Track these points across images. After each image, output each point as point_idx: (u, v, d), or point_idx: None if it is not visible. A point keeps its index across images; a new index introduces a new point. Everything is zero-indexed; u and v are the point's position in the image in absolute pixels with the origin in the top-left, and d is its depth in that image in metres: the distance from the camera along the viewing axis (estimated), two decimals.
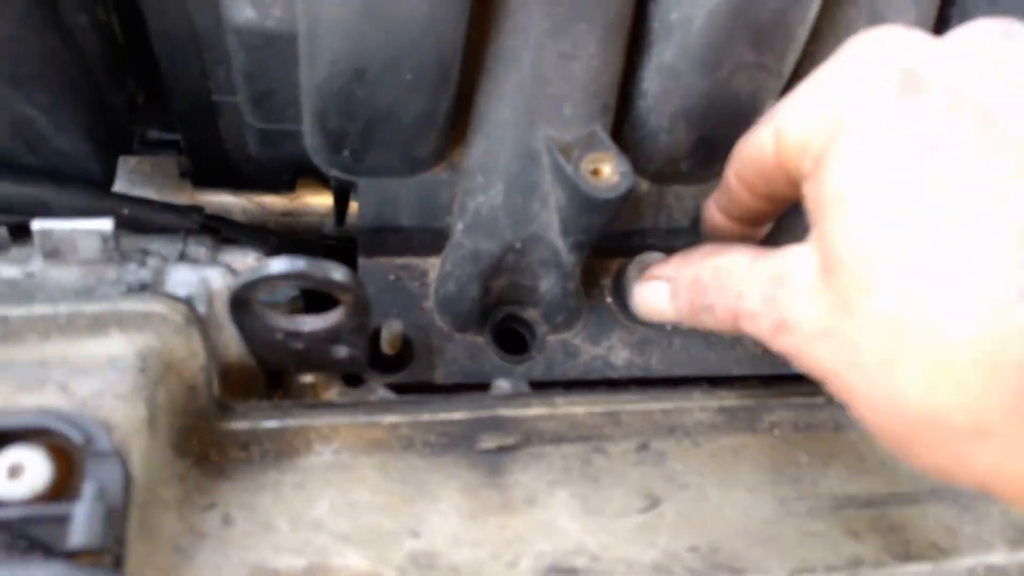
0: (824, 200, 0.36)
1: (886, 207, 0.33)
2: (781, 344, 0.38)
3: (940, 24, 0.55)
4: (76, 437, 0.31)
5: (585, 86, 0.51)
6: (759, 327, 0.40)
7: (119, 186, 0.77)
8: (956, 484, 0.35)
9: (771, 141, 0.41)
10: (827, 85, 0.38)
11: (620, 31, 0.50)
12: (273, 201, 0.77)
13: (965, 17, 0.54)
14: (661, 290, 0.49)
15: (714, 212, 0.52)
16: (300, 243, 0.68)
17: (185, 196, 0.76)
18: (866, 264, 0.33)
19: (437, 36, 0.46)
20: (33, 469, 0.31)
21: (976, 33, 0.36)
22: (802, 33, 0.49)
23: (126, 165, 0.78)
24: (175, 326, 0.39)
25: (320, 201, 0.77)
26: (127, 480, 0.32)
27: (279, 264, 0.39)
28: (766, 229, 0.53)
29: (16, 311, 0.37)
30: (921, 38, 0.37)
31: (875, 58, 0.37)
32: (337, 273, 0.40)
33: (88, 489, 0.30)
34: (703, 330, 0.47)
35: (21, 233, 0.57)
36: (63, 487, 0.31)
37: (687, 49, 0.49)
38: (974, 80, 0.34)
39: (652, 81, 0.52)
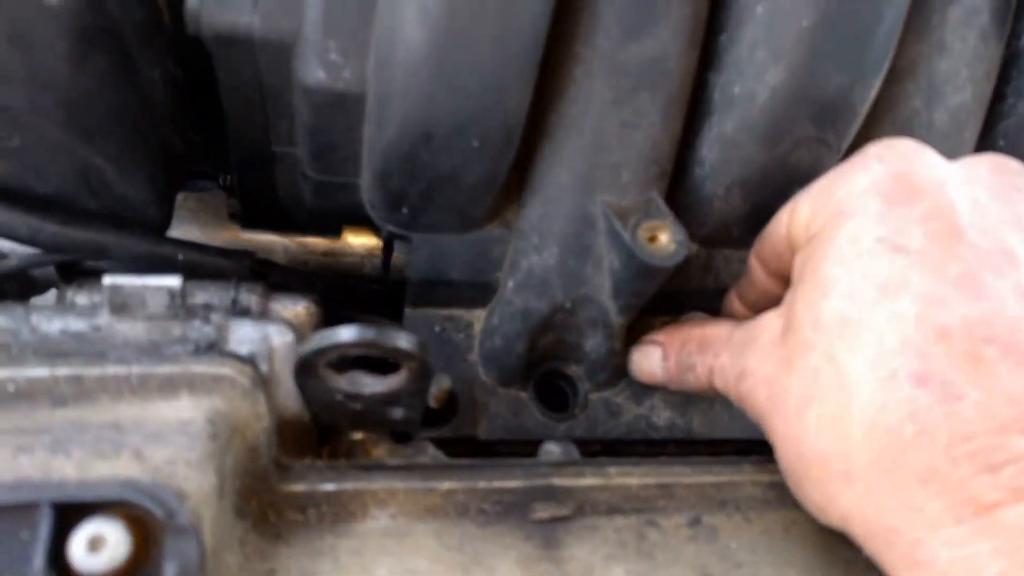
0: (804, 271, 0.43)
1: (843, 289, 0.40)
2: (739, 390, 0.47)
3: (995, 102, 0.55)
4: (157, 511, 0.31)
5: (644, 154, 0.51)
6: (726, 378, 0.48)
7: None
8: (825, 521, 0.42)
9: (786, 218, 0.47)
10: (841, 179, 0.44)
11: (681, 101, 0.51)
12: (315, 242, 0.77)
13: (1020, 95, 0.55)
14: (654, 353, 0.56)
15: (734, 299, 0.58)
16: (345, 288, 0.69)
17: (229, 234, 0.76)
18: (812, 330, 0.41)
19: (504, 103, 0.47)
20: (113, 542, 0.31)
21: (979, 165, 0.44)
22: (864, 110, 0.50)
23: None
24: (243, 389, 0.40)
25: (361, 242, 0.77)
26: (203, 556, 0.32)
27: (349, 332, 0.40)
28: None
29: (90, 371, 0.38)
30: (930, 155, 0.44)
31: (885, 164, 0.43)
32: (403, 341, 0.41)
33: (169, 570, 0.30)
34: (685, 391, 0.56)
35: (70, 272, 0.58)
36: (140, 560, 0.32)
37: (748, 123, 0.49)
38: (957, 196, 0.41)
39: (711, 150, 0.52)
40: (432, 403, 0.57)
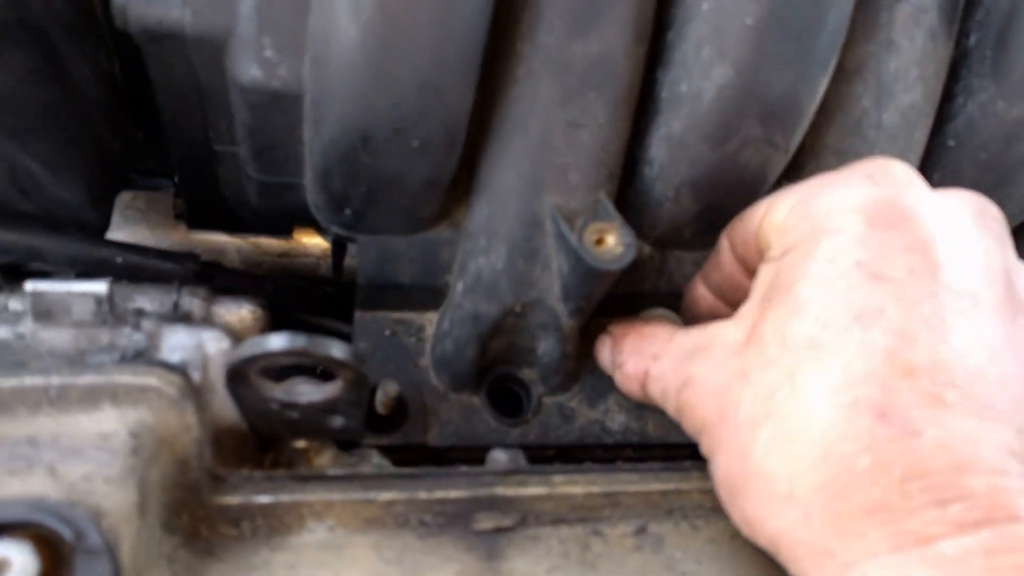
0: (777, 286, 0.42)
1: (816, 313, 0.39)
2: (679, 398, 0.45)
3: (945, 102, 0.55)
4: (67, 534, 0.30)
5: (592, 154, 0.50)
6: (664, 384, 0.47)
7: (113, 222, 0.76)
8: (753, 539, 0.41)
9: (762, 211, 0.46)
10: (826, 191, 0.43)
11: (629, 100, 0.50)
12: (269, 243, 0.76)
13: (970, 95, 0.54)
14: (604, 342, 0.55)
15: (698, 283, 0.56)
16: (297, 290, 0.67)
17: (179, 235, 0.75)
18: (778, 347, 0.40)
19: (445, 103, 0.45)
20: (19, 566, 0.30)
21: (963, 205, 0.42)
22: (811, 110, 0.49)
23: (120, 201, 0.77)
24: (170, 400, 0.38)
25: (316, 243, 0.76)
26: (117, 574, 0.31)
27: (278, 341, 0.38)
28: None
29: (6, 382, 0.36)
30: (920, 185, 0.43)
31: (872, 185, 0.42)
32: (336, 351, 0.39)
33: None
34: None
35: (14, 274, 0.56)
36: None
37: (696, 122, 0.49)
38: (939, 232, 0.40)
39: (659, 150, 0.51)
40: (380, 409, 0.55)
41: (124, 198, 0.76)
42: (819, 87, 0.48)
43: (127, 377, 0.38)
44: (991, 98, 0.53)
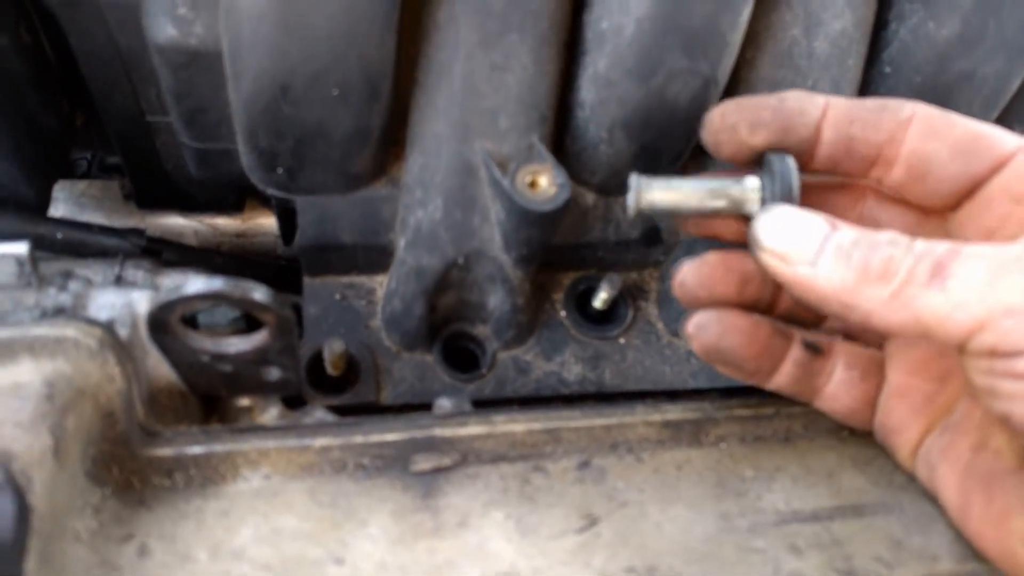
0: None
1: None
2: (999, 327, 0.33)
3: (879, 29, 0.55)
4: None
5: (519, 97, 0.50)
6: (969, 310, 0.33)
7: (67, 210, 0.76)
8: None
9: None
10: None
11: (553, 41, 0.50)
12: (226, 223, 0.76)
13: (902, 20, 0.54)
14: (814, 224, 0.38)
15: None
16: (249, 264, 0.67)
17: (135, 220, 0.75)
18: None
19: (360, 52, 0.45)
20: None
21: None
22: (735, 38, 0.49)
23: (75, 189, 0.78)
24: (88, 351, 0.38)
25: (272, 222, 0.76)
26: (24, 512, 0.31)
27: (195, 284, 0.38)
28: None
29: None
30: None
31: None
32: (256, 293, 0.39)
33: None
34: (847, 312, 0.37)
35: None
36: None
37: (619, 58, 0.48)
38: None
39: (588, 91, 0.51)
40: (330, 370, 0.55)
41: (78, 186, 0.76)
42: (740, 14, 0.48)
43: (44, 330, 0.38)
44: (921, 20, 0.52)
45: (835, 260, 0.36)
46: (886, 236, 0.36)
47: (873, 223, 0.46)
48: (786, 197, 0.42)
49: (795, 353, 0.47)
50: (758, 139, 0.43)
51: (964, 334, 0.33)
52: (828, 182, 0.48)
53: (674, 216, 0.52)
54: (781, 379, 0.47)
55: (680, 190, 0.45)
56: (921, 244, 0.35)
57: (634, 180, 0.45)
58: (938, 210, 0.44)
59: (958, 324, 0.33)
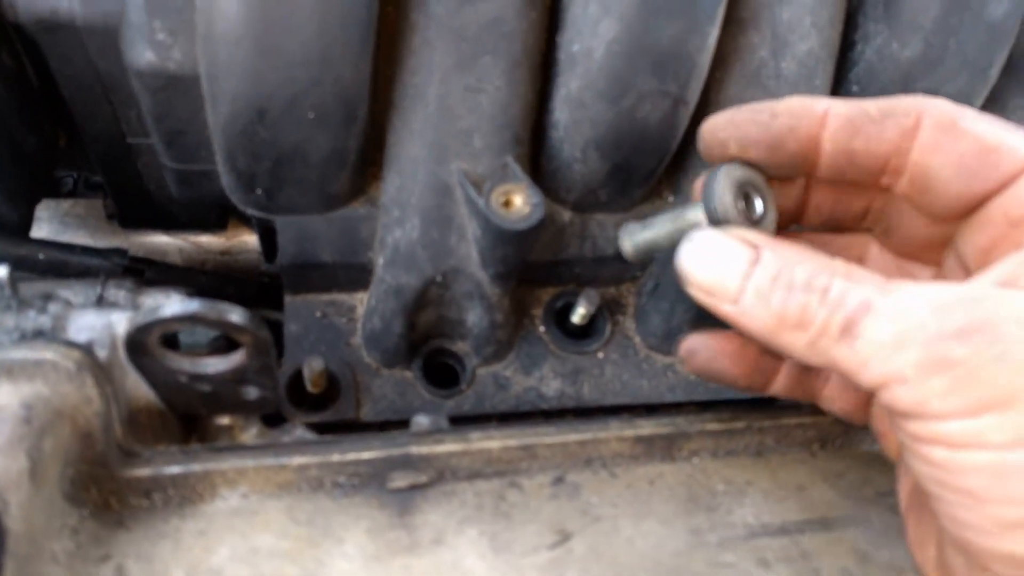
0: None
1: None
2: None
3: (846, 50, 0.56)
4: None
5: (493, 118, 0.51)
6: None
7: (52, 230, 0.76)
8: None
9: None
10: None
11: (526, 63, 0.51)
12: (210, 241, 0.77)
13: (867, 40, 0.55)
14: (737, 253, 0.37)
15: None
16: (233, 281, 0.68)
17: (120, 239, 0.75)
18: None
19: (336, 75, 0.46)
20: None
21: None
22: (703, 60, 0.50)
23: (59, 208, 0.78)
24: (67, 373, 0.39)
25: (256, 240, 0.77)
26: (0, 534, 0.31)
27: (172, 307, 0.39)
28: None
29: None
30: None
31: None
32: (233, 315, 0.40)
33: None
34: (764, 333, 0.36)
35: None
36: None
37: (591, 80, 0.49)
38: None
39: (562, 111, 0.52)
40: (310, 387, 0.56)
41: (62, 206, 0.77)
42: (708, 36, 0.49)
43: (22, 353, 0.38)
44: (886, 41, 0.53)
45: (755, 301, 0.36)
46: (803, 276, 0.35)
47: (887, 218, 0.46)
48: (715, 219, 0.40)
49: (789, 364, 0.48)
50: (749, 155, 0.42)
51: (873, 388, 0.34)
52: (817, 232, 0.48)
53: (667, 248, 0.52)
54: (778, 388, 0.49)
55: (653, 227, 0.45)
56: (837, 290, 0.34)
57: (622, 229, 0.46)
58: (945, 219, 0.43)
59: (866, 380, 0.34)
